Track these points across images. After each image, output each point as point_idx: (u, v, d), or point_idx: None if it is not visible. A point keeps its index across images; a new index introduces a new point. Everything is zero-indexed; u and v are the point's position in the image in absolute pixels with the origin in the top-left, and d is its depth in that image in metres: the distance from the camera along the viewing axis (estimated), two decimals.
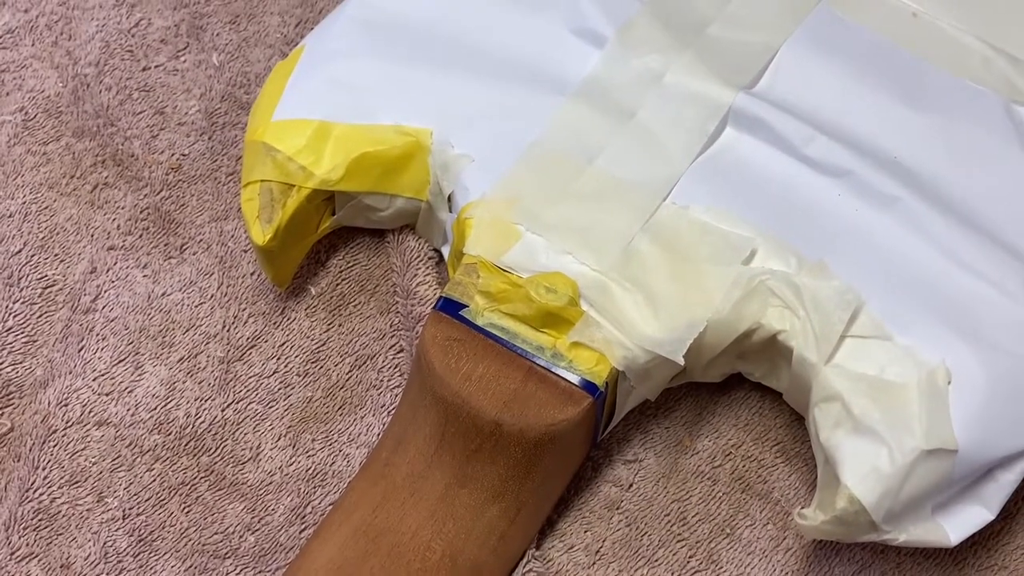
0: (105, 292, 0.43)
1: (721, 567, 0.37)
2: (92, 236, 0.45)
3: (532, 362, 0.35)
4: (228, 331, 0.42)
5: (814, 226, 0.38)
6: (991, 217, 0.38)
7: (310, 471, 0.39)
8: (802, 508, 0.34)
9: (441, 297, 0.36)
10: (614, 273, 0.36)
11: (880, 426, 0.33)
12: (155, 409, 0.40)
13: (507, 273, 0.36)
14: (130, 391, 0.41)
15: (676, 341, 0.35)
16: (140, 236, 0.45)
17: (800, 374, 0.35)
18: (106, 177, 0.46)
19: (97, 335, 0.42)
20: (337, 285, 0.43)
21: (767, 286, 0.36)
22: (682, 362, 0.34)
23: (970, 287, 0.36)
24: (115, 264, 0.44)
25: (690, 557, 0.37)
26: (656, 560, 0.37)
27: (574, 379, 0.35)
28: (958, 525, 0.34)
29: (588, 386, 0.35)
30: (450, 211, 0.41)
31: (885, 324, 0.35)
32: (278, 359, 0.42)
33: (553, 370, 0.35)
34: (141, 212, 0.45)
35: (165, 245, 0.45)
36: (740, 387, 0.41)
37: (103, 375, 0.41)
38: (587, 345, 0.35)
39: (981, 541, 0.38)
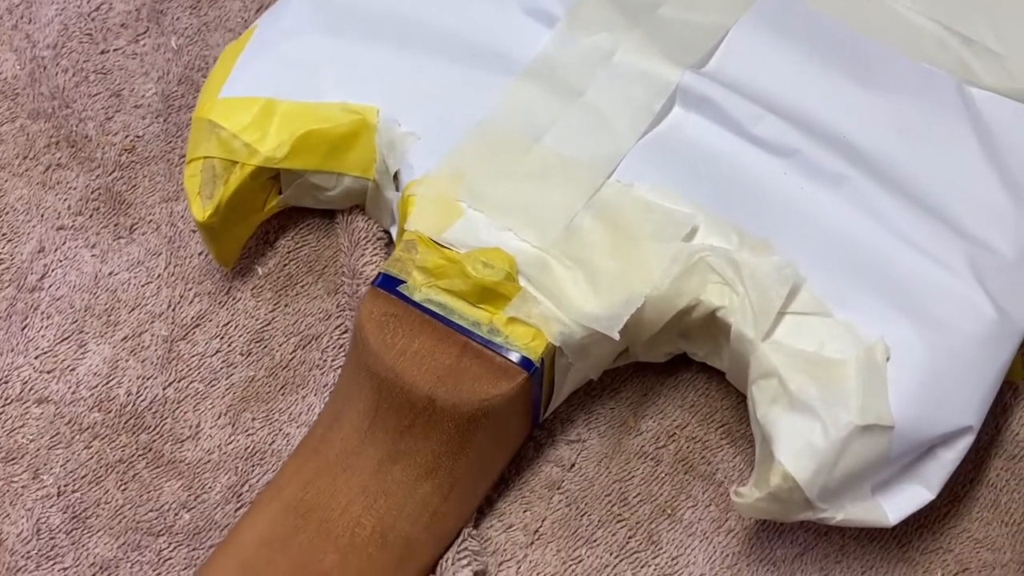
0: (52, 271, 0.43)
1: (661, 548, 0.36)
2: (42, 216, 0.44)
3: (468, 338, 0.35)
4: (173, 310, 0.42)
5: (759, 204, 0.37)
6: (939, 196, 0.37)
7: (249, 450, 0.39)
8: (739, 486, 0.34)
9: (380, 273, 0.36)
10: (555, 250, 0.36)
11: (816, 402, 0.32)
12: (96, 387, 0.40)
13: (446, 249, 0.36)
14: (72, 369, 0.40)
15: (613, 317, 0.34)
16: (90, 216, 0.45)
17: (739, 351, 0.35)
18: (59, 158, 0.46)
19: (42, 313, 0.42)
20: (285, 266, 0.43)
21: (707, 262, 0.35)
22: (617, 337, 0.34)
23: (915, 265, 0.35)
24: (64, 244, 0.44)
25: (630, 538, 0.37)
26: (595, 540, 0.37)
27: (509, 354, 0.34)
28: (898, 505, 0.34)
29: (524, 361, 0.34)
30: (396, 190, 0.40)
31: (826, 301, 0.35)
32: (222, 338, 0.41)
33: (489, 346, 0.34)
34: (92, 193, 0.45)
35: (115, 225, 0.44)
36: (687, 369, 0.40)
37: (46, 353, 0.41)
38: (523, 321, 0.35)
39: (927, 524, 0.37)
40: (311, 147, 0.40)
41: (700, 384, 0.40)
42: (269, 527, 0.33)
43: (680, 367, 0.40)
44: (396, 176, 0.40)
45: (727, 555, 0.36)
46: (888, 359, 0.33)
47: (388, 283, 0.36)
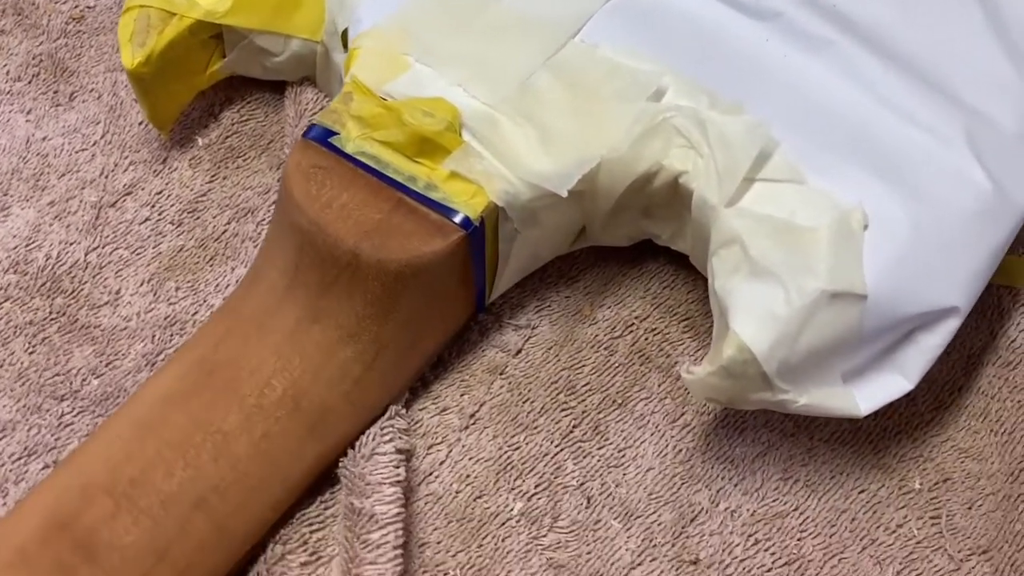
0: None
1: (607, 439, 0.33)
2: None
3: (403, 193, 0.31)
4: (106, 178, 0.39)
5: (735, 69, 0.34)
6: (936, 65, 0.33)
7: (169, 319, 0.36)
8: (692, 364, 0.30)
9: (311, 124, 0.33)
10: (506, 107, 0.33)
11: (780, 268, 0.29)
12: (14, 249, 0.37)
13: (384, 99, 0.33)
14: None
15: (563, 175, 0.31)
16: (29, 82, 0.42)
17: (701, 222, 0.31)
18: (3, 25, 0.43)
19: None
20: (227, 138, 0.40)
21: (672, 124, 0.32)
22: (564, 194, 0.31)
23: (903, 132, 0.32)
24: None
25: (574, 427, 0.33)
26: (536, 427, 0.33)
27: (446, 211, 0.31)
28: (871, 393, 0.30)
29: (461, 220, 0.31)
30: (344, 51, 0.37)
31: (802, 167, 0.31)
32: (152, 207, 0.38)
33: (424, 201, 0.31)
34: (34, 59, 0.42)
35: (55, 92, 0.42)
36: (653, 259, 0.37)
37: None
38: (464, 176, 0.32)
39: (907, 430, 0.33)
40: (256, 4, 0.37)
41: (666, 276, 0.37)
42: (170, 384, 0.30)
43: (646, 257, 0.37)
44: (344, 35, 0.37)
45: (680, 450, 0.33)
46: (866, 228, 0.30)
47: (320, 134, 0.33)
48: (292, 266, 0.32)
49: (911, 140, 0.32)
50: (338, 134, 0.33)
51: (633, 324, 0.35)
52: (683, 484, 0.32)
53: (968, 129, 0.32)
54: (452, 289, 0.33)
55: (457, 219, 0.31)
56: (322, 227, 0.31)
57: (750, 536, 0.31)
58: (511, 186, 0.31)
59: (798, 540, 0.31)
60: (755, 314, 0.29)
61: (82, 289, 0.36)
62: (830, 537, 0.31)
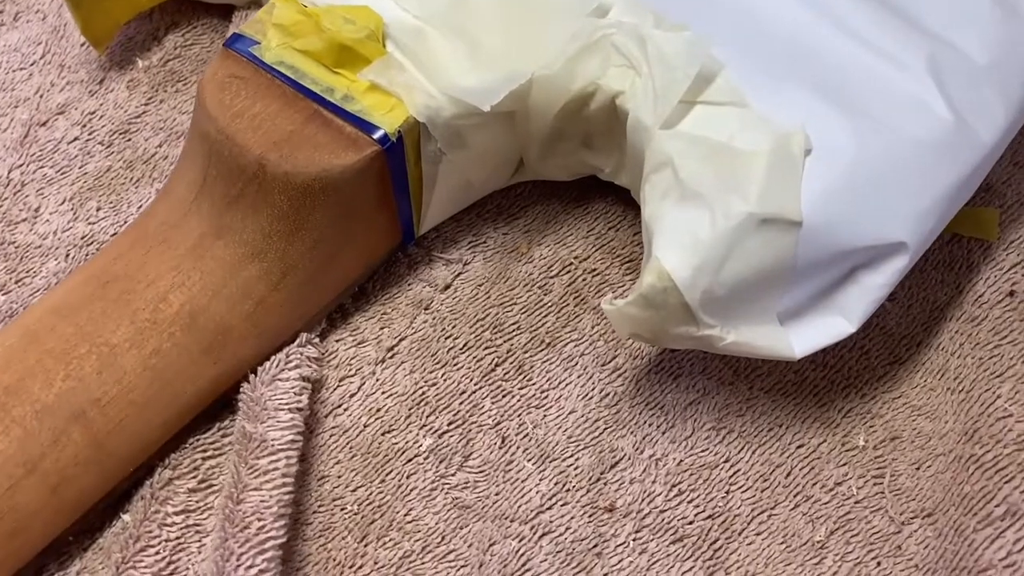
0: None
1: (531, 380, 0.31)
2: None
3: (319, 104, 0.30)
4: (40, 96, 0.38)
5: None
6: None
7: (86, 238, 0.34)
8: (613, 296, 0.28)
9: (234, 33, 0.31)
10: (436, 20, 0.31)
11: (708, 190, 0.27)
12: None
13: (306, 7, 0.31)
14: None
15: (488, 90, 0.29)
16: None
17: (636, 146, 0.29)
18: None
19: None
20: (168, 61, 0.39)
21: (611, 41, 0.30)
22: (487, 108, 0.29)
23: (857, 57, 0.29)
24: None
25: (496, 365, 0.31)
26: (456, 364, 0.31)
27: (362, 126, 0.29)
28: (809, 336, 0.28)
29: (377, 133, 0.29)
30: None
31: (745, 91, 0.29)
32: (83, 127, 0.37)
33: (340, 113, 0.29)
34: None
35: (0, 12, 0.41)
36: (602, 199, 0.35)
37: None
38: (384, 88, 0.30)
39: (855, 385, 0.31)
40: None
41: (613, 216, 0.34)
42: (63, 296, 0.29)
43: (593, 195, 0.35)
44: None
45: (608, 394, 0.31)
46: (808, 153, 0.27)
47: (240, 43, 0.31)
48: (200, 178, 0.30)
49: (865, 65, 0.29)
50: (259, 43, 0.31)
51: (571, 264, 0.33)
52: (606, 429, 0.30)
53: (931, 56, 0.29)
54: (369, 211, 0.31)
55: (374, 134, 0.29)
56: (229, 136, 0.29)
57: (674, 486, 0.29)
58: (432, 100, 0.29)
59: (726, 493, 0.29)
60: (678, 239, 0.26)
61: (1, 205, 0.35)
62: (761, 492, 0.29)
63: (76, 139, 0.37)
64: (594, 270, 0.33)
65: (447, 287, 0.33)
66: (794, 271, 0.27)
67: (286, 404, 0.29)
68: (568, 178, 0.34)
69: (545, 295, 0.33)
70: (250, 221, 0.29)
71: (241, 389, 0.30)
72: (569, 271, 0.33)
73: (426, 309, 0.32)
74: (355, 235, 0.31)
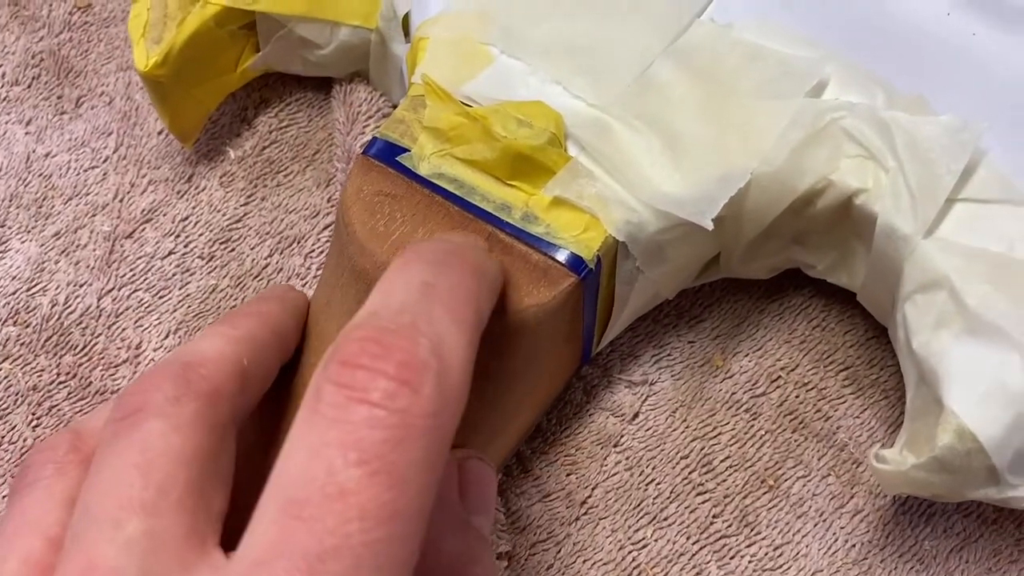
0: None
1: (759, 532, 0.26)
2: None
3: (494, 226, 0.24)
4: (120, 201, 0.32)
5: (911, 52, 0.26)
6: None
7: None
8: (880, 447, 0.23)
9: (374, 138, 0.26)
10: (619, 109, 0.26)
11: (1008, 322, 0.22)
12: (14, 294, 0.31)
13: (465, 104, 0.26)
14: None
15: (704, 199, 0.24)
16: (28, 86, 0.35)
17: (886, 254, 0.24)
18: None
19: None
20: (264, 149, 0.33)
21: (841, 127, 0.25)
22: (710, 227, 0.23)
23: None
24: None
25: (715, 516, 0.26)
26: (666, 519, 0.26)
27: (552, 250, 0.24)
28: None
29: (572, 260, 0.24)
30: (406, 40, 0.30)
31: (1017, 181, 0.24)
32: (177, 237, 0.32)
33: (523, 237, 0.24)
34: (33, 58, 0.36)
35: (58, 98, 0.35)
36: (796, 291, 0.30)
37: None
38: (573, 203, 0.24)
39: None
40: None
41: (814, 312, 0.29)
42: None
43: (786, 288, 0.30)
44: (406, 21, 0.30)
45: (853, 545, 0.26)
46: None
47: (384, 151, 0.26)
48: None
49: None
50: (407, 151, 0.26)
51: (779, 377, 0.28)
52: None
53: None
54: (558, 346, 0.26)
55: (564, 259, 0.24)
56: None
57: None
58: (634, 214, 0.24)
59: None
60: (979, 388, 0.21)
61: (95, 344, 0.30)
62: None
63: (171, 253, 0.31)
64: (806, 383, 0.28)
65: (635, 416, 0.28)
66: None
67: None
68: (767, 276, 0.29)
69: (754, 420, 0.28)
70: None
71: None
72: (778, 386, 0.28)
73: (615, 447, 0.27)
74: (541, 376, 0.26)
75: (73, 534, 0.16)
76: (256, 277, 0.31)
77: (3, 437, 0.28)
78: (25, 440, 0.28)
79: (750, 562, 0.26)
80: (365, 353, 0.16)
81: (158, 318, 0.30)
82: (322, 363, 0.17)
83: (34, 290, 0.31)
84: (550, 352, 0.25)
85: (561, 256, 0.24)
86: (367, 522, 0.15)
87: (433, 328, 0.17)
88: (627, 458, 0.27)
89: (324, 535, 0.15)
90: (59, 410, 0.29)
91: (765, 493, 0.27)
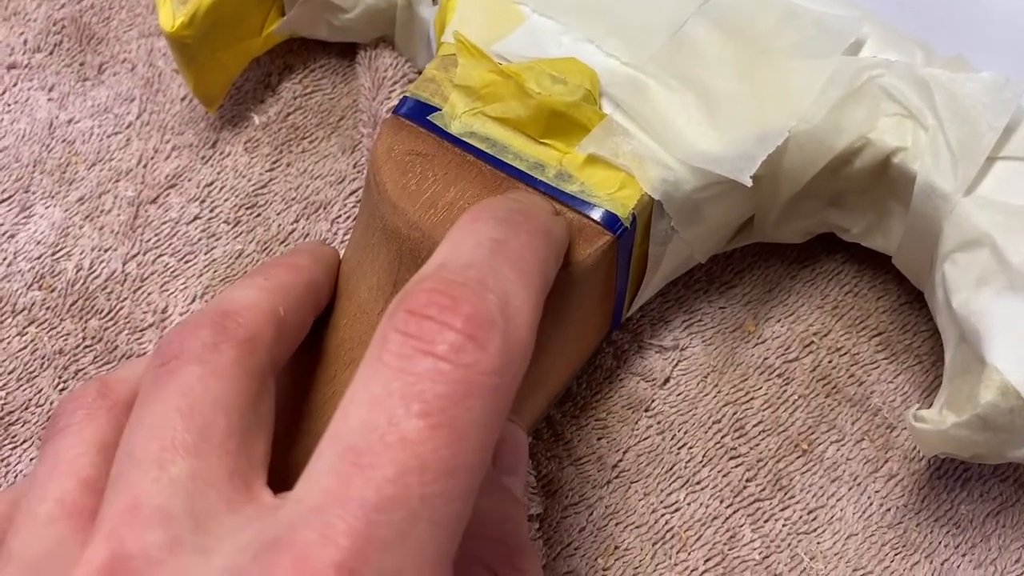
0: None
1: (792, 496, 0.26)
2: None
3: (528, 185, 0.24)
4: (144, 167, 0.32)
5: (952, 12, 0.26)
6: None
7: None
8: (919, 408, 0.23)
9: (404, 97, 0.26)
10: (654, 67, 0.25)
11: None
12: (38, 258, 0.31)
13: (498, 62, 0.25)
14: (11, 236, 0.31)
15: (742, 157, 0.24)
16: (51, 53, 0.35)
17: (924, 214, 0.24)
18: None
19: None
20: (289, 115, 0.33)
21: (879, 85, 0.24)
22: (749, 184, 0.23)
23: None
24: (15, 85, 0.34)
25: (748, 480, 0.26)
26: (699, 483, 0.26)
27: (587, 209, 0.24)
28: None
29: (607, 219, 0.24)
30: (433, 2, 0.30)
31: None
32: (202, 202, 0.31)
33: (557, 196, 0.24)
34: (55, 25, 0.35)
35: (81, 64, 0.35)
36: (829, 257, 0.29)
37: None
38: (608, 161, 0.24)
39: None
40: None
41: (847, 278, 0.29)
42: None
43: (818, 254, 0.29)
44: None
45: (888, 509, 0.26)
46: None
47: (415, 110, 0.25)
48: (388, 283, 0.24)
49: None
50: (439, 110, 0.25)
51: (811, 343, 0.28)
52: (896, 555, 0.25)
53: None
54: (590, 307, 0.25)
55: (599, 217, 0.24)
56: (425, 233, 0.23)
57: None
58: (671, 172, 0.24)
59: None
60: (1021, 344, 0.21)
61: (121, 308, 0.30)
62: None
63: (197, 218, 0.31)
64: (839, 348, 0.28)
65: (666, 381, 0.28)
66: None
67: None
68: (801, 240, 0.28)
69: (786, 385, 0.27)
70: None
71: None
72: (811, 352, 0.28)
73: (647, 411, 0.27)
74: (572, 337, 0.26)
75: (116, 475, 0.16)
76: (283, 243, 0.31)
77: (30, 400, 0.28)
78: (52, 403, 0.28)
79: (784, 525, 0.25)
80: (433, 304, 0.16)
81: (184, 283, 0.30)
82: (389, 311, 0.16)
83: (59, 255, 0.31)
84: (582, 313, 0.25)
85: (596, 214, 0.24)
86: (427, 475, 0.15)
87: (501, 286, 0.17)
88: (658, 422, 0.27)
89: (383, 484, 0.15)
90: (85, 374, 0.29)
91: (799, 457, 0.26)
